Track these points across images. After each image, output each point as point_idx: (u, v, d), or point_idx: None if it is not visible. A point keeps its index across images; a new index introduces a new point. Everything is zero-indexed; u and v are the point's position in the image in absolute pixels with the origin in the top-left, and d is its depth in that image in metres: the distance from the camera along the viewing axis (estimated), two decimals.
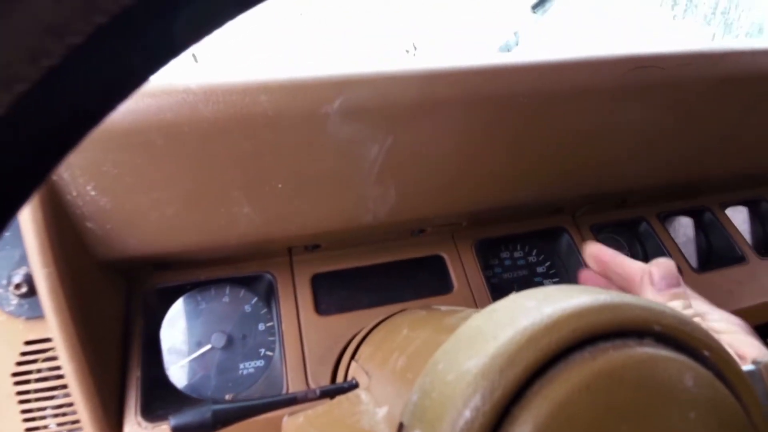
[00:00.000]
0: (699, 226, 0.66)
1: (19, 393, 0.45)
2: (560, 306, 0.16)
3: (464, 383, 0.15)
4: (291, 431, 0.27)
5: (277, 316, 0.47)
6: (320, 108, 0.37)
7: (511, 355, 0.15)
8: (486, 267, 0.55)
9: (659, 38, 0.82)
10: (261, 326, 0.49)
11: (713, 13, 0.75)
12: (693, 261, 0.63)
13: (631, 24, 0.83)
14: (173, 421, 0.28)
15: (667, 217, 0.64)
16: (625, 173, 0.54)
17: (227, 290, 0.50)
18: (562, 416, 0.14)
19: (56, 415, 0.46)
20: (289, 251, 0.50)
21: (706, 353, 0.17)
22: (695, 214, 0.65)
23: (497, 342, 0.16)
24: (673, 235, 0.62)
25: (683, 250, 0.60)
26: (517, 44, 0.71)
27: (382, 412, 0.22)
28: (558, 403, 0.14)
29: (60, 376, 0.46)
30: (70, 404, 0.46)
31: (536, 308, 0.17)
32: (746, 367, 0.19)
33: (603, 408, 0.15)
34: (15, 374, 0.45)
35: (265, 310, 0.50)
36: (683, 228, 0.67)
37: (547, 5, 0.68)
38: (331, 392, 0.31)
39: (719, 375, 0.17)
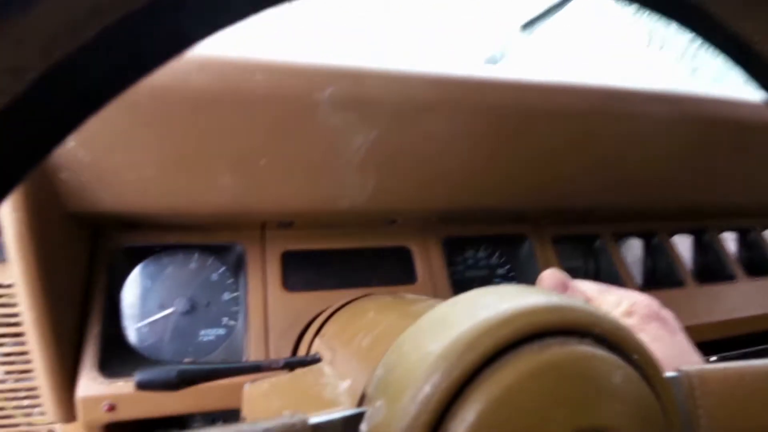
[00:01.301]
0: (647, 249, 0.71)
1: None
2: (516, 303, 0.18)
3: (426, 363, 0.17)
4: (253, 398, 0.28)
5: (243, 287, 0.48)
6: (312, 94, 0.38)
7: (470, 341, 0.17)
8: (450, 263, 0.57)
9: (636, 69, 0.87)
10: (226, 295, 0.50)
11: (683, 56, 0.80)
12: (638, 279, 0.68)
13: (609, 51, 0.87)
14: (138, 376, 0.29)
15: (621, 237, 0.68)
16: (586, 192, 0.57)
17: (195, 256, 0.50)
18: (509, 398, 0.16)
19: (4, 363, 0.45)
20: (263, 226, 0.50)
21: (635, 356, 0.19)
22: (646, 238, 0.71)
23: (459, 329, 0.18)
24: (624, 254, 0.67)
25: (631, 269, 0.65)
26: (502, 57, 0.74)
27: (345, 384, 0.23)
28: (506, 386, 0.17)
29: (11, 324, 0.45)
30: (20, 353, 0.45)
31: (495, 304, 0.19)
32: (670, 373, 0.21)
33: (544, 395, 0.17)
34: None
35: (231, 281, 0.50)
36: (634, 249, 0.72)
37: (536, 27, 0.71)
38: (294, 364, 0.32)
39: (644, 376, 0.19)
